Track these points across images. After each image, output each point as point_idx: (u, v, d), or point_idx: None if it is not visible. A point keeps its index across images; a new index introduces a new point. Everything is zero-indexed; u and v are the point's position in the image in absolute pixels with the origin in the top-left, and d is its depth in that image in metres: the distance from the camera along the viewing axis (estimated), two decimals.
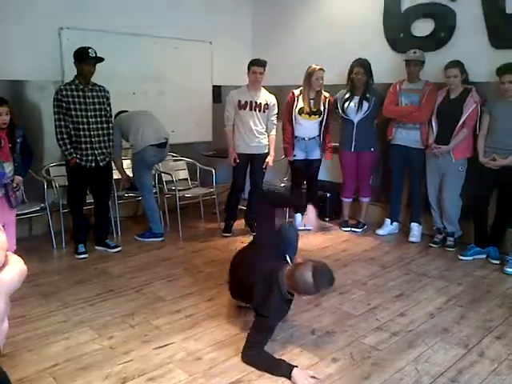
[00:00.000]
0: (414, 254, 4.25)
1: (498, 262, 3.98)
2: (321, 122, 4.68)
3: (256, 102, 4.53)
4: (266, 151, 4.65)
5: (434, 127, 4.24)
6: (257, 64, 4.45)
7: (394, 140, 4.55)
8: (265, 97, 4.59)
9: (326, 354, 2.60)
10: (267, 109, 4.58)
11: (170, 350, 2.63)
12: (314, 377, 2.36)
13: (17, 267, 0.54)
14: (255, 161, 4.65)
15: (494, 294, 3.42)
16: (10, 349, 2.61)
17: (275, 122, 4.65)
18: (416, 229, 4.59)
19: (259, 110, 4.54)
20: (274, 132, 4.66)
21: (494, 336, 2.83)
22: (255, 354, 2.48)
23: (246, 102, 4.53)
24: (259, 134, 4.58)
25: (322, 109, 4.64)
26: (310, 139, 4.72)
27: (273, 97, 4.64)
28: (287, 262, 2.74)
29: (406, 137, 4.46)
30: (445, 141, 4.14)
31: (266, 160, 4.64)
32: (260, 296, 2.56)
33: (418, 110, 4.31)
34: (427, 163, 4.37)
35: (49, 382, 2.33)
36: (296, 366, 2.38)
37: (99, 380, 2.35)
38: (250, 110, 4.52)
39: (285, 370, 2.38)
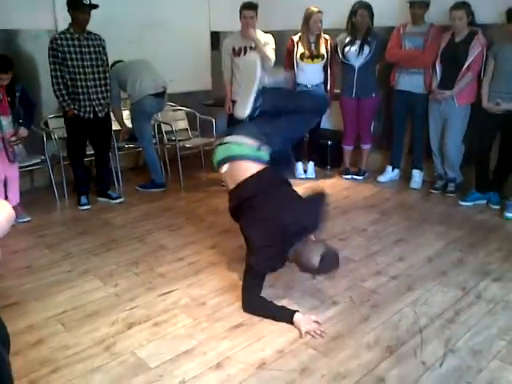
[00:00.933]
0: (415, 200, 4.27)
1: (498, 207, 4.00)
2: (324, 66, 4.58)
3: (251, 47, 4.36)
4: None
5: (437, 72, 4.14)
6: (247, 7, 4.28)
7: (396, 85, 4.46)
8: (260, 38, 4.38)
9: (326, 297, 2.66)
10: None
11: (174, 296, 2.70)
12: (316, 321, 2.41)
13: (4, 212, 0.54)
14: None
15: (492, 238, 3.46)
16: (17, 298, 2.68)
17: (272, 55, 4.32)
18: (417, 175, 4.58)
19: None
20: (271, 63, 4.31)
21: (491, 279, 2.89)
22: (254, 303, 2.51)
23: (240, 48, 4.38)
24: None
25: (323, 52, 4.52)
26: (313, 86, 4.63)
27: (269, 35, 4.43)
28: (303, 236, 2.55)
29: (409, 82, 4.37)
30: (448, 85, 4.06)
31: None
32: (259, 242, 2.49)
33: (421, 53, 4.20)
34: (430, 108, 4.31)
35: (57, 328, 2.41)
36: (298, 311, 2.44)
37: (106, 326, 2.42)
38: (245, 55, 4.36)
39: (287, 315, 2.43)
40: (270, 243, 2.44)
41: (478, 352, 2.20)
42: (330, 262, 2.42)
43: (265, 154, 2.66)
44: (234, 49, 4.39)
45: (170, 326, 2.42)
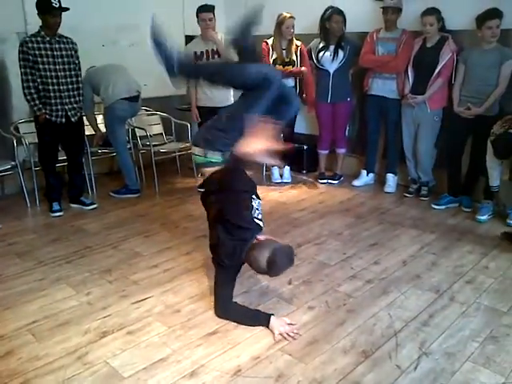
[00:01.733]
0: (389, 204, 4.32)
1: (469, 210, 4.07)
2: None
3: (213, 50, 4.33)
4: (229, 103, 4.43)
5: (409, 77, 4.21)
6: (204, 10, 4.24)
7: (370, 90, 4.51)
8: (221, 41, 4.33)
9: (301, 302, 2.66)
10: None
11: (149, 304, 2.66)
12: (290, 324, 2.41)
13: None
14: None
15: (465, 241, 3.52)
16: None
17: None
18: (391, 179, 4.64)
19: (218, 56, 4.32)
20: None
21: (464, 281, 2.93)
22: (227, 308, 2.49)
23: (201, 52, 4.34)
24: None
25: (294, 58, 4.54)
26: None
27: None
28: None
29: (382, 87, 4.42)
30: (421, 90, 4.12)
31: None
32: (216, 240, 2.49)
33: (394, 59, 4.26)
34: (403, 113, 4.36)
35: (28, 338, 2.34)
36: (272, 315, 2.43)
37: (78, 335, 2.37)
38: (207, 59, 4.33)
39: (262, 319, 2.42)
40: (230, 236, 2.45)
41: (452, 354, 2.23)
42: (280, 261, 2.34)
43: (214, 157, 2.63)
44: (195, 53, 4.34)
45: (143, 334, 2.38)
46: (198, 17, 4.27)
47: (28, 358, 2.20)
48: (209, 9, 4.24)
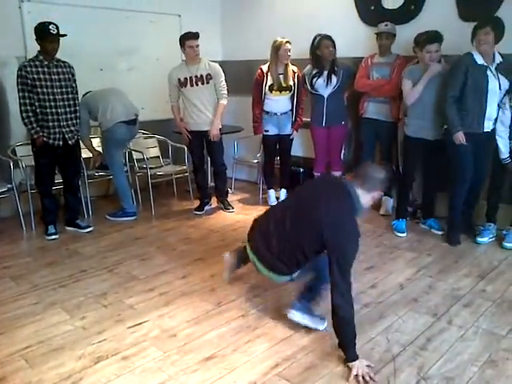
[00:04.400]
0: (385, 226, 4.32)
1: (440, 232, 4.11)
2: (291, 96, 4.64)
3: (196, 76, 4.39)
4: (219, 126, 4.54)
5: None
6: (192, 37, 4.30)
7: (365, 113, 4.56)
8: (205, 67, 4.41)
9: (299, 326, 2.63)
10: (211, 79, 4.41)
11: (144, 328, 2.63)
12: (369, 365, 2.28)
13: None
14: (207, 137, 4.55)
15: (461, 264, 3.51)
16: None
17: (224, 91, 4.48)
18: (387, 202, 4.65)
19: (202, 83, 4.39)
20: (223, 101, 4.49)
21: (461, 304, 2.92)
22: (346, 303, 2.33)
23: (185, 78, 4.40)
24: (206, 109, 4.47)
25: (291, 83, 4.60)
26: (282, 114, 4.69)
27: (215, 65, 4.48)
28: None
29: (376, 110, 4.47)
30: None
31: (210, 130, 4.48)
32: (333, 220, 2.35)
33: (387, 83, 4.32)
34: (400, 136, 4.41)
35: (21, 364, 2.31)
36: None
37: (72, 361, 2.34)
38: (192, 85, 4.39)
39: (354, 350, 2.30)
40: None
41: (451, 379, 2.21)
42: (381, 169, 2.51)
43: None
44: (179, 80, 4.41)
45: (139, 359, 2.35)
46: (183, 44, 4.33)
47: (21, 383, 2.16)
48: (196, 36, 4.32)
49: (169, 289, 3.11)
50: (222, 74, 4.49)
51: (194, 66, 4.39)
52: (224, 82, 4.50)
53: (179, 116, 4.56)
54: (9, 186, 4.11)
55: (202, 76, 4.40)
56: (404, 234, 4.09)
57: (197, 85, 4.41)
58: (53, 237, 4.00)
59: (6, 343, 2.49)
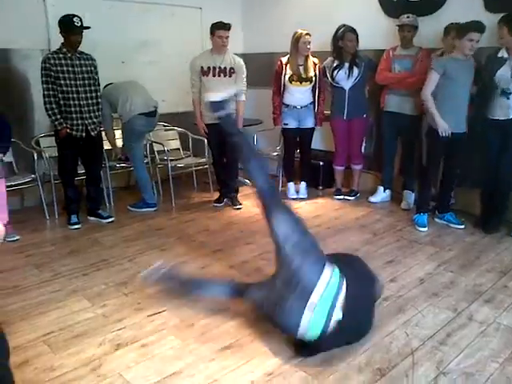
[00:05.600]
0: (406, 220, 4.27)
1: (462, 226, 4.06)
2: (313, 88, 4.61)
3: (220, 67, 4.35)
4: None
5: None
6: (223, 28, 4.25)
7: (386, 107, 4.51)
8: (230, 60, 4.38)
9: None
10: (233, 73, 4.38)
11: (163, 317, 2.66)
12: None
13: None
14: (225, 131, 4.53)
15: (483, 259, 3.46)
16: (3, 318, 2.62)
17: (244, 87, 4.47)
18: (408, 196, 4.60)
19: (224, 75, 4.35)
20: (242, 98, 4.47)
21: (483, 300, 2.87)
22: None
23: (208, 67, 4.36)
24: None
25: (312, 75, 4.57)
26: (302, 107, 4.66)
27: (240, 59, 4.45)
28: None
29: (398, 103, 4.42)
30: None
31: None
32: None
33: (410, 76, 4.26)
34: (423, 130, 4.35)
35: (43, 349, 2.36)
36: None
37: (93, 347, 2.38)
38: (214, 75, 4.35)
39: None
40: None
41: (470, 374, 2.18)
42: None
43: None
44: (202, 68, 4.37)
45: (158, 347, 2.38)
46: (213, 33, 4.30)
47: (43, 368, 2.21)
48: (227, 27, 4.28)
49: None
50: (245, 71, 4.46)
51: (220, 57, 4.36)
52: (245, 79, 4.49)
53: (200, 112, 4.52)
54: (33, 176, 4.20)
55: (225, 68, 4.38)
56: (425, 229, 4.04)
57: (219, 76, 4.38)
58: (75, 226, 4.07)
59: (28, 329, 2.54)
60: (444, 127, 3.75)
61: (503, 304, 2.81)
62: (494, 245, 3.72)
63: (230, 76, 4.40)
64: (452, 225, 4.09)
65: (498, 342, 2.43)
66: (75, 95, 3.86)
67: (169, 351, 2.35)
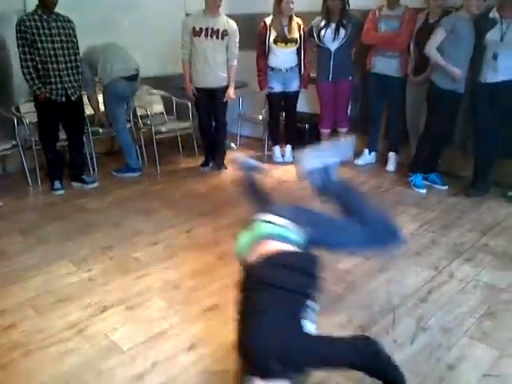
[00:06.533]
0: (391, 182, 4.30)
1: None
2: (298, 50, 4.54)
3: (213, 29, 4.25)
4: (226, 84, 4.44)
5: (412, 55, 4.16)
6: None
7: (373, 68, 4.46)
8: (223, 23, 4.29)
9: None
10: (226, 35, 4.29)
11: (149, 280, 2.68)
12: None
13: None
14: (215, 95, 4.45)
15: (465, 219, 3.51)
16: None
17: (236, 51, 4.40)
18: (393, 158, 4.62)
19: (217, 37, 4.26)
20: (234, 62, 4.41)
21: (463, 258, 2.93)
22: None
23: (201, 28, 4.25)
24: (217, 65, 4.35)
25: (297, 36, 4.49)
26: (287, 70, 4.60)
27: (233, 22, 4.35)
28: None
29: (385, 65, 4.37)
30: (423, 69, 4.08)
31: (227, 92, 4.44)
32: None
33: (397, 36, 4.20)
34: (407, 91, 4.33)
35: (29, 313, 2.38)
36: None
37: (79, 310, 2.40)
38: (206, 36, 4.25)
39: None
40: None
41: (449, 330, 2.25)
42: None
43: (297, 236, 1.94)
44: (194, 28, 4.26)
45: (143, 309, 2.42)
46: None
47: (30, 331, 2.24)
48: None
49: (173, 242, 3.15)
50: (238, 35, 4.37)
51: (213, 19, 4.25)
52: (237, 44, 4.40)
53: (189, 74, 4.42)
54: (13, 142, 4.13)
55: (218, 30, 4.27)
56: (424, 191, 4.04)
57: (211, 37, 4.27)
58: (59, 192, 4.04)
59: (15, 293, 2.56)
60: (457, 72, 3.68)
61: (483, 262, 2.88)
62: (475, 206, 3.77)
63: (223, 39, 4.30)
64: (436, 185, 4.12)
65: (477, 299, 2.50)
66: (53, 58, 3.75)
67: (154, 312, 2.38)
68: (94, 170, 4.58)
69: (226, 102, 4.53)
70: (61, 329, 2.25)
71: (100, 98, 4.50)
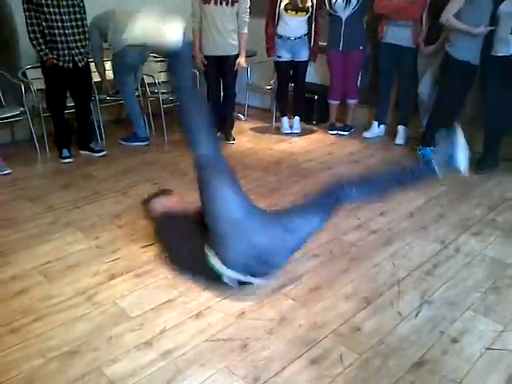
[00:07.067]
0: (399, 156, 4.28)
1: None
2: (308, 19, 4.44)
3: None
4: (237, 52, 4.38)
5: (424, 25, 4.07)
6: None
7: (384, 38, 4.37)
8: None
9: (306, 250, 2.67)
10: (236, 2, 4.19)
11: (157, 248, 2.70)
12: None
13: None
14: (225, 63, 4.38)
15: (473, 194, 3.50)
16: (1, 248, 2.68)
17: (247, 18, 4.31)
18: (402, 131, 4.57)
19: (226, 4, 4.16)
20: (245, 30, 4.33)
21: (470, 233, 2.94)
22: None
23: None
24: (227, 33, 4.27)
25: (309, 5, 4.39)
26: (296, 39, 4.51)
27: None
28: None
29: (397, 35, 4.28)
30: (435, 39, 4.00)
31: (237, 61, 4.38)
32: None
33: (410, 5, 4.10)
34: (418, 63, 4.25)
35: (39, 279, 2.42)
36: None
37: (87, 277, 2.44)
38: (216, 3, 4.15)
39: None
40: None
41: (453, 303, 2.27)
42: None
43: None
44: None
45: (151, 277, 2.44)
46: None
47: (40, 297, 2.28)
48: None
49: None
50: (248, 1, 4.28)
51: None
52: (248, 10, 4.30)
53: (199, 43, 4.36)
54: (21, 109, 4.10)
55: None
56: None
57: (221, 4, 4.17)
58: (67, 160, 4.04)
59: (25, 259, 2.59)
60: (479, 29, 3.59)
61: (490, 237, 2.88)
62: (484, 181, 3.75)
63: (233, 5, 4.21)
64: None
65: (482, 273, 2.51)
66: (60, 24, 3.69)
67: (162, 281, 2.41)
68: (101, 137, 4.57)
69: (237, 71, 4.47)
70: (70, 295, 2.28)
71: (107, 65, 4.46)
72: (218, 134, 4.71)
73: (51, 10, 3.63)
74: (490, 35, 3.62)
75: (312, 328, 2.09)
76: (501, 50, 3.57)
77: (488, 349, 1.98)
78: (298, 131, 4.93)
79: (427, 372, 1.86)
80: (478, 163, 3.92)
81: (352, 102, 4.81)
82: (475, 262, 2.62)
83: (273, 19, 4.48)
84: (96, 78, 4.36)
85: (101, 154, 4.20)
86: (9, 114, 4.04)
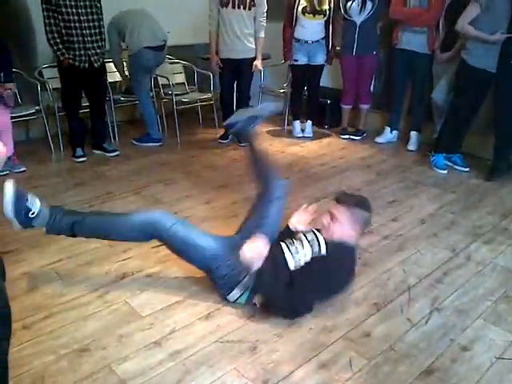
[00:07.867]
0: (411, 162, 4.26)
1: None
2: (326, 22, 4.45)
3: None
4: (253, 55, 4.40)
5: (440, 31, 4.06)
6: None
7: (399, 44, 4.36)
8: None
9: None
10: (253, 6, 4.22)
11: (168, 249, 2.72)
12: None
13: None
14: (241, 66, 4.41)
15: (486, 202, 3.48)
16: (14, 246, 2.72)
17: (264, 22, 4.34)
18: (415, 137, 4.56)
19: (244, 8, 4.20)
20: (262, 34, 4.36)
21: (482, 241, 2.92)
22: None
23: None
24: (244, 37, 4.30)
25: (326, 7, 4.39)
26: (313, 42, 4.51)
27: None
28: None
29: (412, 40, 4.26)
30: (451, 46, 3.98)
31: (254, 63, 4.41)
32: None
33: (426, 11, 4.09)
34: (435, 68, 4.24)
35: (52, 276, 2.45)
36: None
37: (99, 276, 2.46)
38: (233, 7, 4.19)
39: None
40: None
41: (464, 311, 2.25)
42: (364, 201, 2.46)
43: None
44: None
45: (162, 277, 2.46)
46: None
47: (52, 294, 2.30)
48: None
49: (192, 213, 3.18)
50: (266, 5, 4.31)
51: None
52: (265, 14, 4.33)
53: (216, 47, 4.40)
54: (37, 107, 4.16)
55: (245, 0, 4.20)
56: (445, 172, 3.99)
57: (238, 8, 4.21)
58: (81, 159, 4.08)
59: (38, 256, 2.62)
60: (495, 37, 3.51)
61: (501, 246, 2.86)
62: (496, 188, 3.72)
63: (250, 9, 4.24)
64: (457, 167, 4.07)
65: (493, 282, 2.50)
66: (77, 24, 3.74)
67: (173, 281, 2.43)
68: (115, 137, 4.61)
69: (252, 74, 4.49)
70: (81, 293, 2.31)
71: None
72: (230, 136, 4.73)
73: (69, 10, 3.67)
74: (508, 42, 3.59)
75: (321, 332, 2.09)
76: None
77: (499, 358, 1.97)
78: (310, 135, 4.93)
79: (437, 380, 1.85)
80: (490, 171, 3.89)
81: (364, 106, 4.81)
82: (486, 271, 2.60)
83: (290, 23, 4.49)
84: (111, 78, 4.39)
85: (114, 153, 4.24)
86: (24, 113, 4.09)
